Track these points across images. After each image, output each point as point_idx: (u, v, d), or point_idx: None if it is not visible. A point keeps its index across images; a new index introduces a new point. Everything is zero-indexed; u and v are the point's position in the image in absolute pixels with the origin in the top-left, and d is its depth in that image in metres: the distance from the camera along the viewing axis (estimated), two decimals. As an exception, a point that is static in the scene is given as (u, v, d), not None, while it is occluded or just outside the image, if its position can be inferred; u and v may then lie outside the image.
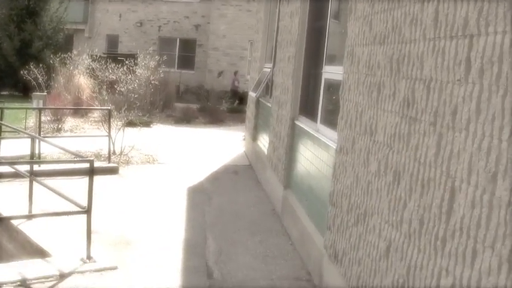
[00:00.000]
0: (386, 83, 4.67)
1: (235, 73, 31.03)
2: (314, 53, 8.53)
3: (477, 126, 3.09)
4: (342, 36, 6.59)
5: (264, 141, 12.20)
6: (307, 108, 8.62)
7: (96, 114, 19.46)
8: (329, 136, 6.88)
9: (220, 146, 16.98)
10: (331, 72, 7.30)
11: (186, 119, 22.63)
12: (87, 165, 7.03)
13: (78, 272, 6.54)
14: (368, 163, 4.99)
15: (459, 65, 3.37)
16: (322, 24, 8.02)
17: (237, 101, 27.79)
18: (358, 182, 5.23)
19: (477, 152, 3.07)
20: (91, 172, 6.98)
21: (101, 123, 16.40)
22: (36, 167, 10.64)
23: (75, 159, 8.36)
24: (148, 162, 13.73)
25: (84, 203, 6.92)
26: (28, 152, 9.72)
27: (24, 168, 9.10)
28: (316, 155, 7.43)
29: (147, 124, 19.32)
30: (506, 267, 2.70)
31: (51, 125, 17.51)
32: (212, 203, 10.13)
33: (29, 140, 9.75)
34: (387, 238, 4.36)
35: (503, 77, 2.87)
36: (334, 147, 6.24)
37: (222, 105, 25.87)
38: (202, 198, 10.50)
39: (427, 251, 3.61)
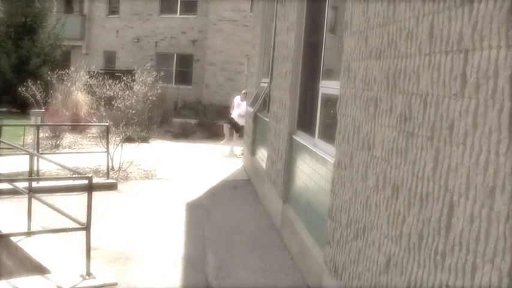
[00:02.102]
0: (383, 97, 4.69)
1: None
2: (311, 68, 8.55)
3: (474, 140, 3.11)
4: (338, 51, 6.62)
5: (262, 156, 12.20)
6: (305, 122, 8.64)
7: (94, 130, 19.48)
8: (327, 151, 6.89)
9: (219, 161, 16.98)
10: (328, 87, 7.32)
11: (184, 134, 22.64)
12: (85, 181, 7.04)
13: (77, 289, 6.54)
14: (366, 178, 5.00)
15: (455, 79, 3.39)
16: (318, 39, 8.06)
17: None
18: (357, 196, 5.24)
19: (475, 166, 3.08)
20: (89, 188, 6.97)
21: (99, 139, 16.43)
22: (35, 184, 10.64)
23: (74, 175, 8.35)
24: (147, 177, 13.73)
25: (83, 220, 6.92)
26: (26, 168, 9.71)
27: (22, 185, 9.08)
28: (314, 169, 7.44)
29: (145, 140, 19.35)
30: (507, 282, 2.70)
31: (50, 142, 17.52)
32: (211, 219, 10.12)
33: (27, 157, 9.73)
34: (387, 253, 4.36)
35: (498, 91, 2.88)
36: (332, 161, 6.25)
37: (220, 120, 25.84)
38: (202, 213, 10.49)
39: (427, 265, 3.62)
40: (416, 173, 3.87)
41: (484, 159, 2.99)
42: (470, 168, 3.13)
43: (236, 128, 19.53)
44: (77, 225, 7.07)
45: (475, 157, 3.09)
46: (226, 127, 20.44)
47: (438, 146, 3.56)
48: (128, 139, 16.34)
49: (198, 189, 12.57)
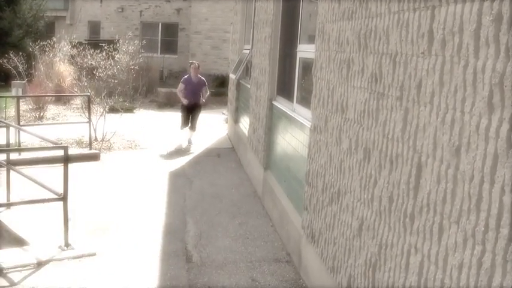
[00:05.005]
0: (355, 59, 4.59)
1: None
2: (289, 33, 8.42)
3: (441, 99, 3.03)
4: (315, 14, 6.49)
5: (245, 123, 12.11)
6: (284, 88, 8.53)
7: (78, 101, 19.30)
8: (304, 115, 6.80)
9: (203, 129, 16.85)
10: (305, 51, 7.21)
11: (169, 103, 22.43)
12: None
13: (56, 260, 6.50)
14: (340, 141, 4.92)
15: (422, 37, 3.29)
16: (296, 3, 7.92)
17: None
18: (332, 160, 5.17)
19: (441, 125, 3.00)
20: (66, 159, 6.89)
21: (82, 110, 16.28)
22: (16, 156, 10.53)
23: (50, 146, 8.24)
24: (130, 147, 13.61)
25: (62, 191, 6.84)
26: (10, 141, 9.59)
27: (2, 157, 8.97)
28: (293, 135, 7.36)
29: (129, 110, 19.18)
30: (471, 243, 2.64)
31: (34, 114, 17.34)
32: (193, 187, 10.04)
33: (10, 130, 9.61)
34: (359, 217, 4.30)
35: (464, 47, 2.80)
36: (309, 126, 6.17)
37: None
38: (184, 182, 10.41)
39: (397, 228, 3.55)
40: (387, 134, 3.79)
41: (450, 118, 2.91)
42: (437, 127, 3.05)
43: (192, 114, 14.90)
44: (55, 196, 6.99)
45: (441, 116, 3.01)
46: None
47: (407, 106, 3.48)
48: (112, 109, 16.23)
49: (181, 158, 12.50)
